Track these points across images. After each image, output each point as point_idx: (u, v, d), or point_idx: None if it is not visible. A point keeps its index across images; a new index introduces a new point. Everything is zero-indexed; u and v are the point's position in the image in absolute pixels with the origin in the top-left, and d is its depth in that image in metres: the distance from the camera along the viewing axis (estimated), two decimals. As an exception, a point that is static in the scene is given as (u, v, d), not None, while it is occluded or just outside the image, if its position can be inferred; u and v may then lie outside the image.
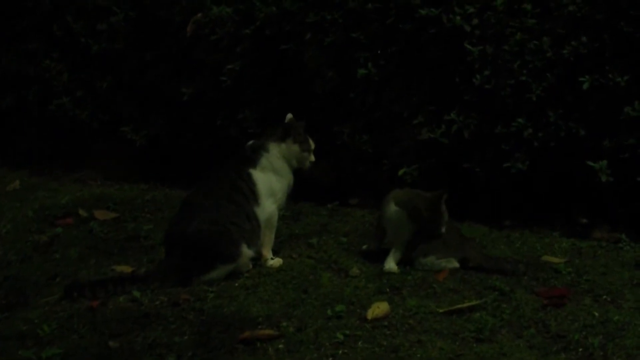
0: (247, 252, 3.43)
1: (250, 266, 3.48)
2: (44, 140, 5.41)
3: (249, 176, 3.51)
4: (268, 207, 3.53)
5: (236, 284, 3.35)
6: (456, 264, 3.51)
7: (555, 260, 3.60)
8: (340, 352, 2.81)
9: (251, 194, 3.49)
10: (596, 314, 3.07)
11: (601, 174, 3.77)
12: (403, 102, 4.23)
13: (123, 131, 4.94)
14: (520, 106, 3.95)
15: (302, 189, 4.36)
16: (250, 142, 3.64)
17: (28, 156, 5.43)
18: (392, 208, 3.50)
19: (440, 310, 3.10)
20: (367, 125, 4.34)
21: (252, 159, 3.55)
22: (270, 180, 3.54)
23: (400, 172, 4.14)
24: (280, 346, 2.84)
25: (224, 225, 3.38)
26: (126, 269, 3.59)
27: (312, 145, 3.65)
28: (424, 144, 4.16)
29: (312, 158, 3.66)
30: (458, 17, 3.97)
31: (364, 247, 3.73)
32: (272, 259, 3.55)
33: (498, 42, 3.95)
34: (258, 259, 3.53)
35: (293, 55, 4.40)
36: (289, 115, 3.64)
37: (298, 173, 3.68)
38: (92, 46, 4.97)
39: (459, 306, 3.13)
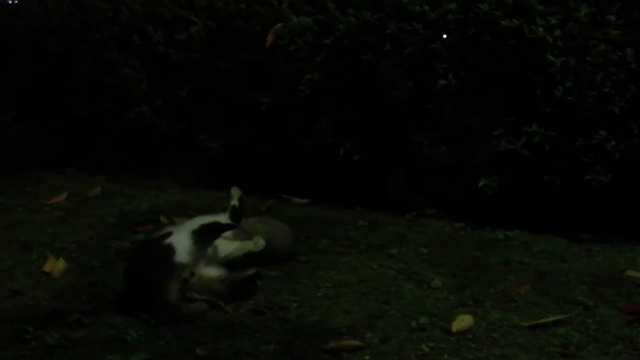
0: None
1: None
2: (120, 148, 5.49)
3: None
4: None
5: (318, 294, 3.37)
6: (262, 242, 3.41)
7: (638, 275, 3.55)
8: (426, 364, 2.81)
9: None
10: (684, 331, 3.02)
11: (685, 188, 3.72)
12: (480, 114, 4.22)
13: (200, 139, 5.00)
14: (602, 118, 3.91)
15: (375, 199, 4.39)
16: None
17: (105, 163, 5.51)
18: None
19: (524, 324, 3.08)
20: (443, 136, 4.33)
21: None
22: None
23: (480, 183, 4.13)
24: (366, 357, 2.84)
25: None
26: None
27: None
28: (502, 155, 4.14)
29: None
30: (540, 28, 3.94)
31: None
32: None
33: (581, 53, 3.92)
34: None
35: (368, 65, 4.41)
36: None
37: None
38: (171, 55, 5.05)
39: (543, 320, 3.10)
